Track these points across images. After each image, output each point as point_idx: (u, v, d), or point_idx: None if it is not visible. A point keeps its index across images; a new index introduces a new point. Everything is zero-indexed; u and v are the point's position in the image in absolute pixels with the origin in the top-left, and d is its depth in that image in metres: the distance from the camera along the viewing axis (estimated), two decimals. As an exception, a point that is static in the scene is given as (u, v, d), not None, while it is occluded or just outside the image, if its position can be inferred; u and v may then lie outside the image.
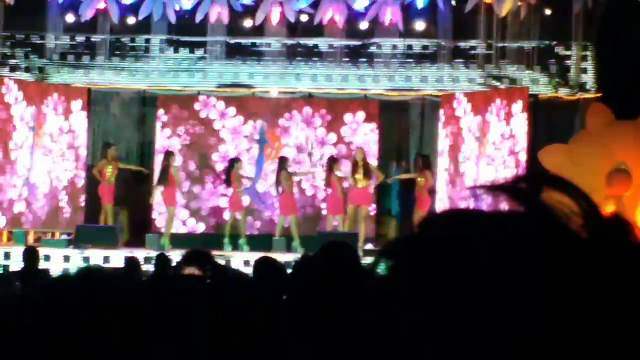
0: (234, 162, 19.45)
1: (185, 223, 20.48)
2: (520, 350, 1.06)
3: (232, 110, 20.68)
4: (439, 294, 1.10)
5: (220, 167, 20.42)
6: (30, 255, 11.24)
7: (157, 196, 19.63)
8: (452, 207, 16.60)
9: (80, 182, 20.27)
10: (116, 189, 19.53)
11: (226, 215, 20.07)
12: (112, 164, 19.39)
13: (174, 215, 19.49)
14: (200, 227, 20.62)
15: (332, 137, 20.65)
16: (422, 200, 19.08)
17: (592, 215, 1.14)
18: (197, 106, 20.66)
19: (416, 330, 1.10)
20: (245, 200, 19.85)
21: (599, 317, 1.08)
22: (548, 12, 19.05)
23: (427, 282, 1.11)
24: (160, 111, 20.70)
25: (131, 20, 19.57)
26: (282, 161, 19.51)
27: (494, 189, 1.17)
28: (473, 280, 1.09)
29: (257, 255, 17.26)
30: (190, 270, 6.01)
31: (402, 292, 1.13)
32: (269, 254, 16.86)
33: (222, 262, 16.31)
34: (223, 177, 19.82)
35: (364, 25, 19.51)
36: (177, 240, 18.87)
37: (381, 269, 1.16)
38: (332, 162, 19.45)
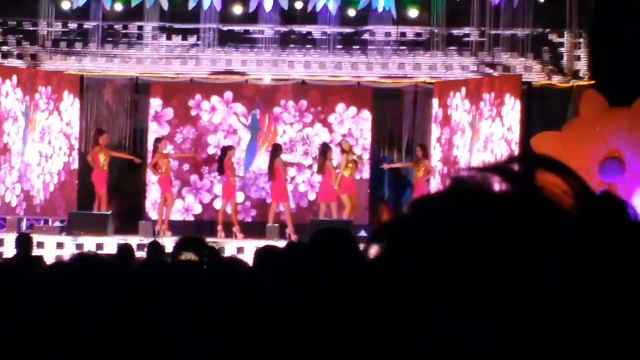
0: (227, 150, 19.42)
1: (180, 210, 20.48)
2: (513, 324, 1.08)
3: (224, 97, 20.66)
4: (431, 273, 1.11)
5: (212, 153, 20.42)
6: (24, 242, 11.20)
7: (150, 184, 19.60)
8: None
9: (73, 169, 20.24)
10: (109, 176, 19.49)
11: (219, 203, 20.06)
12: (104, 151, 19.34)
13: (171, 201, 19.38)
14: (193, 213, 20.62)
15: (325, 124, 20.65)
16: (420, 189, 19.11)
17: (583, 194, 1.16)
18: (189, 93, 20.64)
19: (411, 309, 1.11)
20: (238, 187, 19.85)
21: (591, 292, 1.09)
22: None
23: (419, 261, 1.12)
24: (153, 98, 20.67)
25: (123, 7, 19.51)
26: (276, 148, 19.50)
27: (485, 169, 1.19)
28: (464, 257, 1.10)
29: (251, 242, 17.42)
30: (187, 255, 6.03)
31: (394, 274, 1.13)
32: (263, 241, 16.96)
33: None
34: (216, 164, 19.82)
35: (356, 12, 19.48)
36: (170, 227, 18.97)
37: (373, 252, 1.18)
38: (325, 148, 19.44)
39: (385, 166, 20.12)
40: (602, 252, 1.08)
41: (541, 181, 1.18)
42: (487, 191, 1.15)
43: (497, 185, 1.16)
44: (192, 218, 20.55)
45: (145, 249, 11.05)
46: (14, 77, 19.34)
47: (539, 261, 1.05)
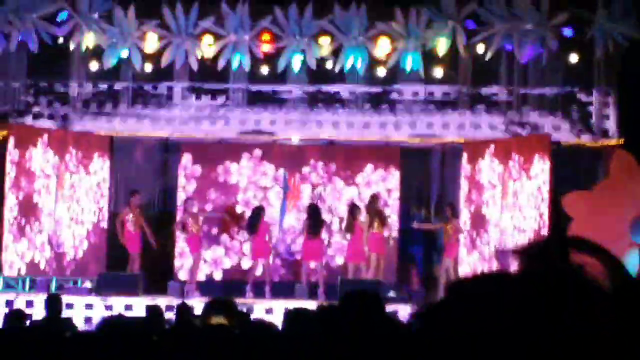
0: (259, 210, 19.47)
1: (206, 270, 20.47)
2: None
3: (253, 156, 20.73)
4: (472, 347, 1.17)
5: (240, 212, 20.45)
6: (54, 303, 11.21)
7: (180, 243, 19.63)
8: (475, 266, 16.52)
9: (103, 230, 20.32)
10: (141, 236, 19.54)
11: (247, 262, 20.04)
12: (134, 212, 19.42)
13: (198, 262, 19.48)
14: (220, 274, 20.60)
15: (353, 184, 20.66)
16: (450, 248, 19.07)
17: (616, 273, 1.20)
18: (218, 152, 20.73)
19: None
20: (269, 247, 19.84)
21: None
22: (569, 58, 19.05)
23: (461, 337, 1.18)
24: (183, 158, 20.77)
25: (153, 67, 19.66)
26: (355, 208, 19.45)
27: (519, 252, 1.24)
28: (500, 333, 1.16)
29: (280, 302, 17.38)
30: (217, 319, 5.99)
31: (437, 347, 1.20)
32: (292, 301, 16.91)
33: (244, 310, 16.29)
34: (244, 224, 19.84)
35: (384, 71, 19.54)
36: (199, 287, 19.01)
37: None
38: (354, 208, 19.44)
39: (416, 225, 20.04)
40: (630, 329, 1.11)
41: (578, 261, 1.22)
42: (519, 274, 1.19)
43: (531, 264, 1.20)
44: (220, 276, 20.51)
45: (174, 311, 11.03)
46: (45, 138, 19.48)
47: (568, 334, 1.08)
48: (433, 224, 19.74)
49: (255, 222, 19.27)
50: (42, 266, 19.26)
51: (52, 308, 11.14)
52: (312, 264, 19.29)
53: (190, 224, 19.40)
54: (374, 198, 19.68)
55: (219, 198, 20.70)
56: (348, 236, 19.41)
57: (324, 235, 19.69)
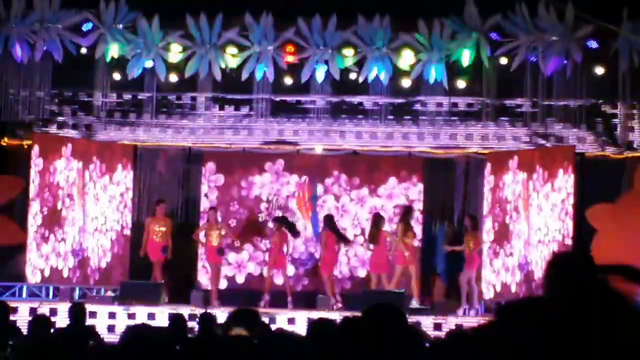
0: (282, 221, 19.56)
1: (228, 278, 20.51)
2: None
3: (276, 166, 20.76)
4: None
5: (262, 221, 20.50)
6: (77, 312, 11.23)
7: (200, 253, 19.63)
8: (498, 278, 16.53)
9: (126, 239, 20.38)
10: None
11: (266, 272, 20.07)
12: (159, 221, 19.45)
13: (219, 271, 19.49)
14: (241, 281, 20.63)
15: (376, 194, 20.66)
16: (471, 260, 19.02)
17: None
18: (241, 163, 20.77)
19: None
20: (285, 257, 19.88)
21: None
22: (594, 70, 18.99)
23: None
24: (206, 168, 20.82)
25: (177, 78, 19.72)
26: (379, 218, 19.48)
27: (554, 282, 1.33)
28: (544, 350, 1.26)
29: (301, 313, 17.39)
30: (238, 330, 5.99)
31: None
32: (314, 312, 16.92)
33: (266, 319, 16.30)
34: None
35: (408, 83, 19.53)
36: (220, 297, 19.04)
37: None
38: (379, 218, 19.44)
39: (448, 248, 19.95)
40: None
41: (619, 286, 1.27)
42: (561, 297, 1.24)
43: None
44: (243, 280, 20.52)
45: (197, 321, 11.05)
46: (69, 147, 19.58)
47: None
48: (461, 245, 19.53)
49: (287, 231, 19.39)
50: (65, 274, 19.33)
51: (75, 317, 11.17)
52: (326, 275, 19.31)
53: (210, 234, 19.40)
54: (409, 210, 19.66)
55: (242, 208, 20.71)
56: (371, 246, 19.38)
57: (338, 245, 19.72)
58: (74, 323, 11.08)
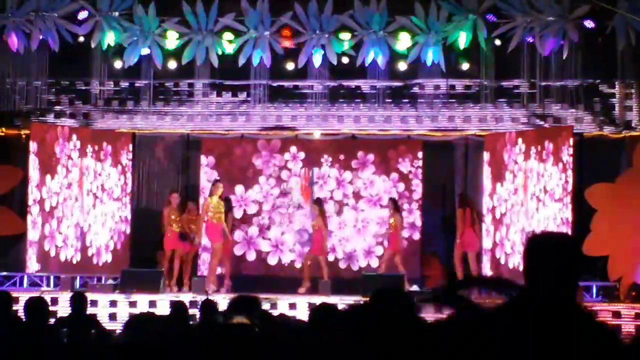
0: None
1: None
2: None
3: (274, 152, 20.75)
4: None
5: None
6: (78, 301, 11.21)
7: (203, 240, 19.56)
8: (497, 258, 16.63)
9: (126, 227, 20.37)
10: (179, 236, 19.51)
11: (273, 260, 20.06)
12: (174, 211, 19.38)
13: (219, 251, 19.00)
14: (253, 255, 20.66)
15: (375, 177, 20.65)
16: (464, 239, 18.98)
17: None
18: (240, 148, 20.75)
19: None
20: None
21: None
22: (591, 50, 18.96)
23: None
24: (204, 154, 20.80)
25: (174, 65, 19.69)
26: (395, 202, 19.55)
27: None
28: None
29: (303, 298, 17.41)
30: (238, 318, 5.99)
31: None
32: (315, 297, 16.94)
33: (267, 305, 16.32)
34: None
35: (405, 66, 19.50)
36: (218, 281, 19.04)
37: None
38: (395, 204, 19.51)
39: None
40: None
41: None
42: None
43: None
44: (242, 272, 20.54)
45: (198, 308, 11.04)
46: (67, 136, 19.56)
47: None
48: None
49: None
50: (66, 264, 19.34)
51: (76, 305, 11.15)
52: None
53: (210, 210, 18.96)
54: (396, 201, 19.75)
55: (240, 194, 20.69)
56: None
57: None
58: (75, 312, 11.08)
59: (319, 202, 19.66)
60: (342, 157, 20.72)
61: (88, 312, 12.20)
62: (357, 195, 20.66)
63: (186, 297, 16.58)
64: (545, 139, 18.90)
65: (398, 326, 4.16)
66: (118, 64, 19.75)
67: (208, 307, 10.43)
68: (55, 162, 19.32)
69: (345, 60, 19.41)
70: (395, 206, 19.50)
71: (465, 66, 19.52)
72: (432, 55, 19.11)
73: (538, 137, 19.12)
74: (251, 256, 20.63)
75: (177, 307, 10.48)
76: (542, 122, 19.71)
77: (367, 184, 20.67)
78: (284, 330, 5.04)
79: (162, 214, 19.44)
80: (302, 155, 20.73)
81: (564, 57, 18.97)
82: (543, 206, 18.70)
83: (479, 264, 19.18)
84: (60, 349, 7.05)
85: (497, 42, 18.95)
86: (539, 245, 3.54)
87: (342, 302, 15.44)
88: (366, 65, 19.46)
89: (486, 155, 19.93)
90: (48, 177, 19.20)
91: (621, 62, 18.97)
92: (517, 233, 19.11)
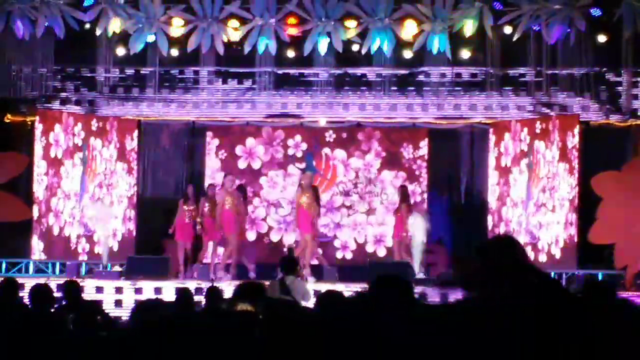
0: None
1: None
2: None
3: (279, 139, 20.76)
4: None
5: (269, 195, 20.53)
6: (70, 289, 11.02)
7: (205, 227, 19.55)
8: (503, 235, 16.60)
9: (132, 214, 20.39)
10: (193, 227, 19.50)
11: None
12: (189, 204, 19.36)
13: (232, 242, 18.95)
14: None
15: (383, 166, 20.66)
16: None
17: None
18: (245, 136, 20.76)
19: None
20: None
21: None
22: (597, 38, 18.90)
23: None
24: (210, 142, 20.81)
25: (180, 52, 19.66)
26: (404, 190, 19.52)
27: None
28: None
29: (308, 285, 17.40)
30: (243, 306, 5.99)
31: None
32: (321, 284, 16.93)
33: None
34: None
35: (411, 54, 19.45)
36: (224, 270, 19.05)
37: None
38: (405, 190, 19.47)
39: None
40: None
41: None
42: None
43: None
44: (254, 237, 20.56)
45: (204, 294, 11.03)
46: (73, 123, 19.57)
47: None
48: None
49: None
50: (72, 250, 19.38)
51: (68, 293, 10.96)
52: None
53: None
54: (405, 189, 19.68)
55: (245, 180, 20.68)
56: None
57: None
58: (68, 300, 10.85)
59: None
60: (348, 144, 20.71)
61: (93, 299, 12.16)
62: (362, 183, 20.68)
63: (191, 284, 16.58)
64: (551, 127, 18.86)
65: (397, 312, 4.17)
66: (123, 51, 19.71)
67: (213, 293, 10.43)
68: (60, 148, 19.33)
69: (354, 47, 19.32)
70: (404, 194, 19.44)
71: (469, 54, 19.44)
72: (438, 43, 19.06)
73: (544, 125, 19.08)
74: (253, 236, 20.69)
75: (183, 294, 10.48)
76: (548, 111, 19.67)
77: (372, 172, 20.66)
78: (288, 318, 5.02)
79: (179, 206, 19.36)
80: (304, 145, 20.73)
81: (571, 45, 18.91)
82: (548, 195, 18.67)
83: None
84: (66, 335, 7.03)
85: (507, 29, 18.83)
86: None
87: (347, 289, 15.44)
88: (372, 53, 19.41)
89: (491, 144, 19.89)
90: (53, 164, 19.21)
91: (627, 51, 18.91)
92: (521, 221, 19.10)
